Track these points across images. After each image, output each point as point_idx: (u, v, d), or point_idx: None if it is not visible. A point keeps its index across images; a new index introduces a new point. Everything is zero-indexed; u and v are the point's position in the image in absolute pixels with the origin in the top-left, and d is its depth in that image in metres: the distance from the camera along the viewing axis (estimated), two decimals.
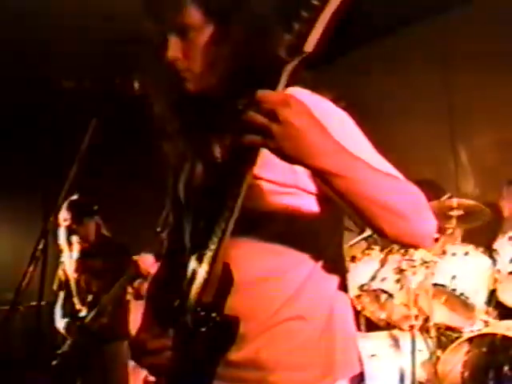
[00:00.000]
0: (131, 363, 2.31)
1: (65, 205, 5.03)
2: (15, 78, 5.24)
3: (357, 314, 4.74)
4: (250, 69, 1.86)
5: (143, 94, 2.11)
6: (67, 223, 5.20)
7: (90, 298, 5.28)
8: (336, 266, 2.05)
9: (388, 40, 6.55)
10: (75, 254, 5.34)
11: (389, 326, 4.89)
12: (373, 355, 4.38)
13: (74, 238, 5.30)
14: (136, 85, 2.11)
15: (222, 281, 1.78)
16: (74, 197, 5.08)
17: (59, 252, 5.15)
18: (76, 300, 5.36)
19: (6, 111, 5.72)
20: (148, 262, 5.00)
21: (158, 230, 4.82)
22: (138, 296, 5.40)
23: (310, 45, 1.61)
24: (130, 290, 5.20)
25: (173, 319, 1.93)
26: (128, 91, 2.10)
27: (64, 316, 5.31)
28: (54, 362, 5.05)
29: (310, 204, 1.96)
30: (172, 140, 2.12)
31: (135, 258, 5.01)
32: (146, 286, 5.19)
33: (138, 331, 2.13)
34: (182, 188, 2.18)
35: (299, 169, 1.79)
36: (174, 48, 1.97)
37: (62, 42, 4.84)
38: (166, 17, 1.96)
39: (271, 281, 1.95)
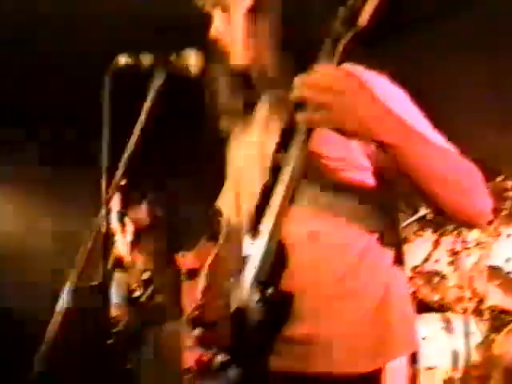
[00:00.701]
0: (186, 341, 2.34)
1: (119, 187, 5.06)
2: (68, 54, 5.28)
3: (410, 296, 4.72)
4: (296, 43, 1.92)
5: (200, 71, 2.12)
6: (120, 205, 5.25)
7: (144, 277, 5.33)
8: (392, 243, 2.04)
9: (437, 26, 6.45)
10: (129, 235, 5.40)
11: (442, 308, 4.85)
12: (425, 337, 4.36)
13: (127, 220, 5.36)
14: (193, 61, 2.12)
15: (277, 258, 1.79)
16: (127, 180, 5.12)
17: (113, 233, 5.20)
18: (130, 280, 5.43)
19: (60, 86, 5.81)
20: (187, 261, 5.06)
21: (214, 207, 4.84)
22: (189, 274, 5.45)
23: (364, 18, 1.61)
24: (183, 270, 5.24)
25: (229, 296, 1.96)
26: (185, 68, 2.11)
27: (119, 296, 5.39)
28: (110, 341, 5.13)
29: (364, 179, 1.96)
30: (230, 117, 2.17)
31: (177, 256, 5.07)
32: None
33: (196, 307, 2.15)
34: (240, 166, 2.21)
35: (353, 145, 1.85)
36: (216, 23, 2.04)
37: (116, 16, 4.86)
38: None
39: (326, 257, 1.96)
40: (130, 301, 5.32)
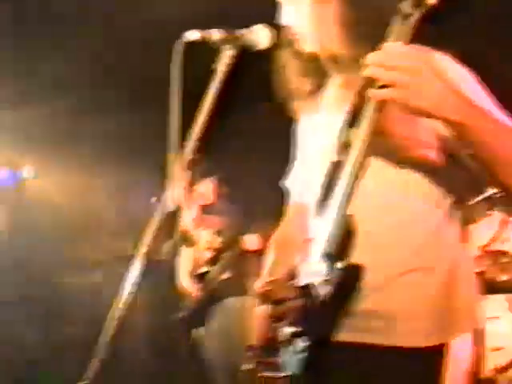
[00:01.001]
0: (255, 316, 2.39)
1: (185, 163, 5.07)
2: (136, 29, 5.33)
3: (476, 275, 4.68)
4: (367, 23, 1.93)
5: (269, 46, 2.13)
6: (187, 181, 5.28)
7: (211, 254, 5.38)
8: (459, 220, 2.06)
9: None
10: (195, 211, 5.43)
11: (509, 289, 4.80)
12: (491, 318, 4.32)
13: (194, 196, 5.41)
14: (261, 37, 2.12)
15: (347, 232, 1.81)
16: (193, 156, 5.14)
17: (180, 209, 5.25)
18: (197, 255, 5.49)
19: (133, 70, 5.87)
20: (252, 242, 5.09)
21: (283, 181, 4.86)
22: (256, 252, 5.48)
23: None
24: (248, 246, 5.28)
25: (297, 270, 2.01)
26: (254, 43, 2.12)
27: (186, 271, 5.45)
28: (180, 315, 5.22)
29: (431, 157, 1.97)
30: (301, 99, 2.22)
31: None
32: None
33: (265, 282, 2.18)
34: (308, 145, 2.26)
35: (421, 123, 1.87)
36: (287, 12, 2.10)
37: None
38: None
39: (396, 232, 1.99)
40: (197, 276, 5.38)
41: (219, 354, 5.28)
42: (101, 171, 7.18)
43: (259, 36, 2.11)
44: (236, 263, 5.26)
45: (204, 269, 5.35)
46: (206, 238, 5.42)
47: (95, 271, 7.14)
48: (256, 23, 2.14)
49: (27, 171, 6.74)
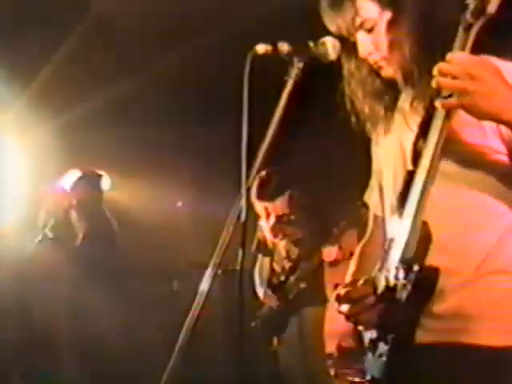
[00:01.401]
0: (328, 327, 2.46)
1: (257, 177, 5.08)
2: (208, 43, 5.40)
3: None
4: (434, 37, 2.01)
5: (337, 59, 2.19)
6: (263, 192, 5.26)
7: (288, 264, 5.39)
8: None
9: None
10: (272, 219, 5.42)
11: None
12: None
13: (272, 207, 5.38)
14: (330, 48, 2.16)
15: (422, 237, 1.93)
16: (266, 170, 5.15)
17: (257, 216, 5.27)
18: (275, 265, 5.52)
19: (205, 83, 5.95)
20: (330, 254, 5.07)
21: (359, 203, 4.86)
22: (332, 263, 5.47)
23: (493, 6, 1.75)
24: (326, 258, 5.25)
25: (376, 275, 2.09)
26: (323, 55, 2.16)
27: (262, 280, 5.46)
28: (253, 324, 5.25)
29: (499, 161, 2.02)
30: (373, 120, 2.29)
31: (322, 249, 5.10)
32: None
33: (345, 284, 2.25)
34: (382, 161, 2.34)
35: (488, 128, 1.95)
36: (365, 44, 2.15)
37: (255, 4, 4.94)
38: (347, 20, 2.12)
39: (472, 235, 2.04)
40: (273, 285, 5.40)
41: (297, 364, 5.28)
42: (176, 182, 7.28)
43: (328, 48, 2.15)
44: (314, 274, 5.24)
45: (281, 278, 5.36)
46: (284, 248, 5.42)
47: (172, 280, 7.22)
48: (324, 35, 2.18)
49: (106, 182, 6.85)
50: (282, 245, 5.43)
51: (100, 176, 6.60)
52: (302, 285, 5.24)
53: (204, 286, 2.13)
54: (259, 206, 5.19)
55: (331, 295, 2.24)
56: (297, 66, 2.14)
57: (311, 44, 2.17)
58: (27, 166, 7.17)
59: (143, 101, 6.46)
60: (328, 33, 2.20)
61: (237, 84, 2.10)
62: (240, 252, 2.14)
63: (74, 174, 6.57)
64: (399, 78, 2.15)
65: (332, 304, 2.24)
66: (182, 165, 7.35)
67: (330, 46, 2.16)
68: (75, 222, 6.45)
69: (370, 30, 2.11)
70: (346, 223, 5.01)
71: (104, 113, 6.46)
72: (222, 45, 5.16)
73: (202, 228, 7.32)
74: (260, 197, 5.15)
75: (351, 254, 6.32)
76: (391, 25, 2.09)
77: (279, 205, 5.29)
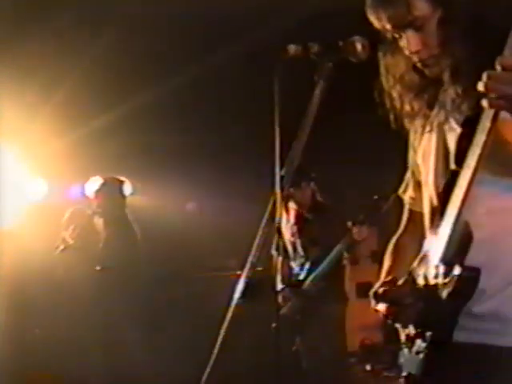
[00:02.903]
0: (349, 325, 2.46)
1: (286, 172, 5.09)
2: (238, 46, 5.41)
3: None
4: (484, 37, 1.98)
5: (367, 59, 2.18)
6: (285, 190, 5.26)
7: (307, 263, 5.40)
8: None
9: None
10: (292, 219, 5.46)
11: None
12: None
13: (291, 204, 5.44)
14: (359, 48, 2.17)
15: (463, 237, 1.94)
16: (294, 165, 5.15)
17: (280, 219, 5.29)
18: (293, 264, 5.54)
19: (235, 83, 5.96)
20: (362, 234, 5.08)
21: (376, 197, 4.88)
22: (353, 261, 5.48)
23: None
24: (345, 255, 5.28)
25: (414, 274, 2.11)
26: (352, 55, 2.16)
27: (282, 280, 5.46)
28: (274, 325, 5.24)
29: None
30: (412, 117, 2.26)
31: (351, 227, 5.10)
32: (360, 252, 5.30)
33: (382, 283, 2.26)
34: (422, 155, 2.30)
35: None
36: (414, 42, 2.10)
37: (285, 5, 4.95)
38: (398, 17, 2.08)
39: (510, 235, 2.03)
40: (292, 285, 5.41)
41: (320, 362, 5.29)
42: (199, 187, 7.31)
43: (358, 47, 2.16)
44: (333, 272, 5.26)
45: (300, 277, 5.37)
46: (302, 247, 5.44)
47: (196, 284, 7.23)
48: (354, 35, 2.19)
49: (127, 188, 6.88)
50: (299, 243, 5.44)
51: (122, 182, 6.63)
52: (321, 283, 5.25)
53: (238, 288, 2.15)
54: (283, 202, 5.23)
55: (351, 292, 2.25)
56: (327, 66, 2.15)
57: (341, 44, 2.18)
58: (50, 173, 7.23)
59: (165, 107, 6.48)
60: (357, 32, 2.20)
61: (268, 84, 2.12)
62: (275, 255, 2.17)
63: (96, 181, 6.61)
64: (446, 76, 2.11)
65: (355, 300, 2.24)
66: (203, 169, 7.36)
67: (360, 46, 2.17)
68: (98, 228, 6.49)
69: (419, 28, 2.08)
70: (363, 217, 5.02)
71: (125, 120, 6.49)
72: (253, 46, 5.17)
73: (223, 232, 7.34)
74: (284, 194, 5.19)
75: (372, 252, 6.36)
76: (442, 23, 2.06)
77: (302, 197, 5.32)
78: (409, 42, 2.11)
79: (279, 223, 2.20)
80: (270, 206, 2.18)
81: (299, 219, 5.47)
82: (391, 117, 2.26)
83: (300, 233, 5.47)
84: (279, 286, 5.37)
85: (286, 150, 2.18)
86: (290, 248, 5.52)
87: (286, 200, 5.37)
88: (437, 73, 2.13)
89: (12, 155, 6.79)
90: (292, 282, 5.43)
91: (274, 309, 2.36)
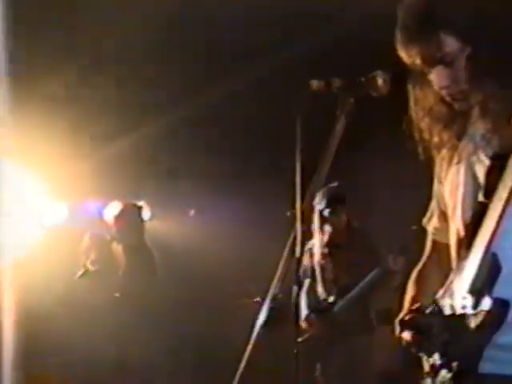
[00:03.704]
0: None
1: (321, 192, 5.15)
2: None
3: None
4: None
5: (388, 93, 2.20)
6: (322, 208, 5.33)
7: (335, 289, 5.38)
8: None
9: None
10: (326, 238, 5.44)
11: None
12: None
13: (327, 228, 5.46)
14: (380, 83, 2.19)
15: (492, 269, 1.97)
16: (333, 184, 5.21)
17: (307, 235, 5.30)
18: (320, 289, 5.52)
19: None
20: (398, 263, 5.04)
21: (414, 227, 4.84)
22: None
23: None
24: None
25: (440, 303, 2.13)
26: (373, 90, 2.19)
27: (308, 305, 5.43)
28: (295, 351, 5.21)
29: None
30: (440, 148, 2.30)
31: (386, 256, 5.09)
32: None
33: (407, 311, 2.28)
34: (448, 186, 2.31)
35: None
36: (443, 77, 2.14)
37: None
38: (428, 53, 2.12)
39: None
40: (319, 310, 5.39)
41: None
42: (217, 211, 7.33)
43: (379, 82, 2.18)
44: (362, 299, 5.23)
45: (327, 302, 5.36)
46: (332, 272, 5.42)
47: (216, 313, 7.22)
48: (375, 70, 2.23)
49: (146, 213, 6.93)
50: (329, 268, 5.42)
51: (141, 208, 6.67)
52: (351, 311, 5.22)
53: (261, 318, 2.17)
54: (317, 219, 5.24)
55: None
56: (348, 101, 2.18)
57: (362, 79, 2.20)
58: (68, 196, 7.28)
59: (188, 131, 6.53)
60: (377, 67, 2.23)
61: (291, 118, 2.16)
62: (294, 288, 2.19)
63: (115, 207, 6.64)
64: (476, 111, 2.16)
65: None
66: (225, 194, 7.39)
67: (380, 81, 2.19)
68: (117, 254, 6.51)
69: (449, 64, 2.12)
70: (398, 248, 5.00)
71: (145, 143, 6.54)
72: (280, 76, 5.22)
73: (242, 258, 7.35)
74: (320, 213, 5.21)
75: None
76: (470, 60, 2.10)
77: (337, 222, 5.32)
78: (438, 77, 2.14)
79: (311, 247, 2.23)
80: (290, 239, 2.20)
81: (332, 243, 5.45)
82: (419, 149, 2.29)
83: (331, 257, 5.45)
84: (304, 312, 5.36)
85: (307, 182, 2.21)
86: (318, 271, 5.51)
87: (321, 223, 5.38)
88: (466, 107, 2.17)
89: (30, 177, 6.84)
90: (318, 308, 5.42)
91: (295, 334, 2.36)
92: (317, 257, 5.45)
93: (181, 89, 5.92)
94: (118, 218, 6.47)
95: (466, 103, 2.16)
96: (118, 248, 6.50)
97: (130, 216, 6.48)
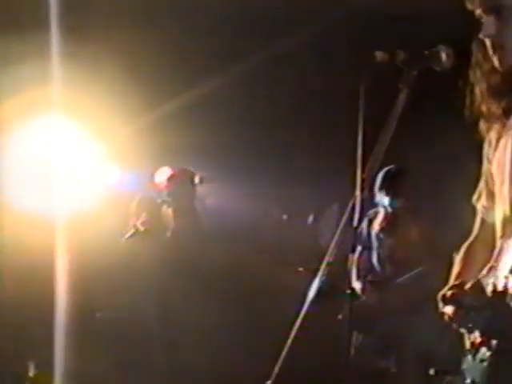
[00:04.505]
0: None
1: (380, 175, 5.24)
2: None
3: None
4: None
5: (451, 67, 2.20)
6: (382, 191, 5.39)
7: (389, 265, 5.44)
8: None
9: None
10: (383, 219, 5.52)
11: None
12: None
13: (390, 200, 5.46)
14: (444, 57, 2.19)
15: None
16: (391, 166, 5.26)
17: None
18: (374, 260, 5.56)
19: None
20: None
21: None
22: None
23: None
24: None
25: (484, 281, 2.12)
26: (437, 64, 2.19)
27: (359, 276, 5.47)
28: (339, 316, 5.26)
29: None
30: (486, 120, 2.26)
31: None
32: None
33: (451, 286, 2.27)
34: (496, 165, 2.30)
35: None
36: (489, 26, 2.11)
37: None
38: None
39: None
40: (372, 282, 5.46)
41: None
42: (265, 180, 7.36)
43: (443, 56, 2.19)
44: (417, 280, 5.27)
45: (380, 275, 5.45)
46: (389, 247, 5.47)
47: (262, 277, 7.25)
48: (439, 43, 2.23)
49: (196, 179, 6.97)
50: (387, 242, 5.46)
51: (192, 173, 6.72)
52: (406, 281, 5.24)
53: (314, 286, 2.20)
54: (380, 198, 5.27)
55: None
56: (412, 73, 2.19)
57: (426, 52, 2.21)
58: (121, 162, 7.37)
59: (239, 100, 6.54)
60: (442, 41, 2.23)
61: (354, 88, 2.17)
62: (350, 256, 2.21)
63: (166, 171, 6.72)
64: None
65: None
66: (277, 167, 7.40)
67: (444, 55, 2.20)
68: (167, 217, 6.59)
69: (500, 16, 2.10)
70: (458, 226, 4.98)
71: (197, 110, 6.57)
72: (342, 48, 5.21)
73: (287, 229, 7.37)
74: (384, 188, 5.25)
75: None
76: None
77: (400, 201, 5.33)
78: (486, 24, 2.12)
79: (356, 227, 2.24)
80: (349, 208, 2.21)
81: (390, 223, 5.50)
82: (467, 111, 2.26)
83: (389, 234, 5.49)
84: (356, 279, 5.34)
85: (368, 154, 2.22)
86: (375, 243, 5.55)
87: (386, 193, 5.42)
88: (505, 66, 2.13)
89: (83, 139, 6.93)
90: (372, 280, 5.48)
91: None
92: (376, 228, 5.46)
93: (228, 55, 5.93)
94: (170, 180, 6.55)
95: (507, 63, 2.12)
96: (168, 211, 6.59)
97: (182, 180, 6.55)
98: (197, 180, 6.75)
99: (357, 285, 5.39)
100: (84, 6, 5.41)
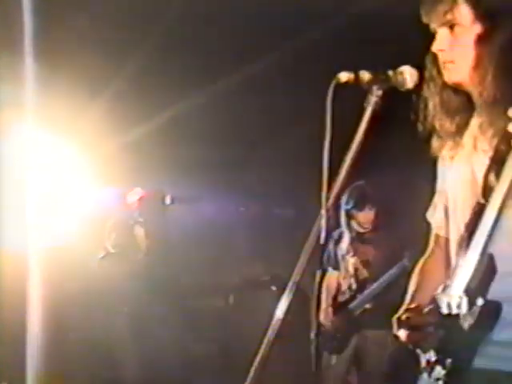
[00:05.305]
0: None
1: (347, 191, 5.25)
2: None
3: None
4: None
5: (415, 87, 2.22)
6: (349, 208, 5.40)
7: (354, 283, 5.43)
8: None
9: None
10: (349, 237, 5.51)
11: None
12: None
13: (354, 224, 5.49)
14: (408, 77, 2.21)
15: (488, 269, 1.98)
16: (360, 182, 5.28)
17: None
18: (342, 281, 5.55)
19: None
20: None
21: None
22: None
23: None
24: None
25: (437, 301, 2.11)
26: (400, 84, 2.21)
27: (327, 295, 5.44)
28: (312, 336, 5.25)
29: None
30: (441, 138, 2.30)
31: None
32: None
33: (406, 309, 2.28)
34: (450, 183, 2.32)
35: None
36: (442, 41, 2.17)
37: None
38: (438, 11, 2.15)
39: None
40: (337, 303, 5.45)
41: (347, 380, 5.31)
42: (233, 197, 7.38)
43: (407, 76, 2.21)
44: (379, 295, 5.29)
45: (346, 296, 5.40)
46: (353, 266, 5.47)
47: (228, 295, 7.26)
48: (401, 64, 2.25)
49: (168, 199, 6.98)
50: (351, 262, 5.46)
51: (163, 193, 6.73)
52: (368, 305, 5.24)
53: (282, 305, 2.20)
54: (344, 216, 5.28)
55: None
56: (376, 93, 2.19)
57: (390, 73, 2.22)
58: (92, 182, 7.33)
59: (210, 118, 6.56)
60: (405, 62, 2.26)
61: (319, 109, 2.18)
62: (318, 273, 2.21)
63: (138, 192, 6.72)
64: (476, 96, 2.17)
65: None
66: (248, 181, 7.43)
67: (408, 75, 2.20)
68: (139, 237, 6.59)
69: (453, 30, 2.14)
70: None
71: (166, 131, 6.57)
72: (309, 69, 5.23)
73: (256, 245, 7.39)
74: (347, 211, 5.24)
75: None
76: (477, 40, 2.12)
77: (364, 220, 5.34)
78: (439, 38, 2.17)
79: (339, 237, 2.23)
80: (315, 227, 2.21)
81: (357, 239, 5.52)
82: (420, 127, 2.30)
83: (355, 252, 5.50)
84: (323, 305, 5.34)
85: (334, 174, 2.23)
86: (342, 264, 5.55)
87: (348, 219, 5.45)
88: (455, 80, 2.17)
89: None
90: (336, 303, 5.47)
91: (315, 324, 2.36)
92: (342, 247, 5.48)
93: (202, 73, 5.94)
94: (140, 201, 6.56)
95: (454, 74, 2.17)
96: (140, 231, 6.58)
97: (153, 200, 6.56)
98: (168, 200, 6.76)
99: (325, 307, 5.41)
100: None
